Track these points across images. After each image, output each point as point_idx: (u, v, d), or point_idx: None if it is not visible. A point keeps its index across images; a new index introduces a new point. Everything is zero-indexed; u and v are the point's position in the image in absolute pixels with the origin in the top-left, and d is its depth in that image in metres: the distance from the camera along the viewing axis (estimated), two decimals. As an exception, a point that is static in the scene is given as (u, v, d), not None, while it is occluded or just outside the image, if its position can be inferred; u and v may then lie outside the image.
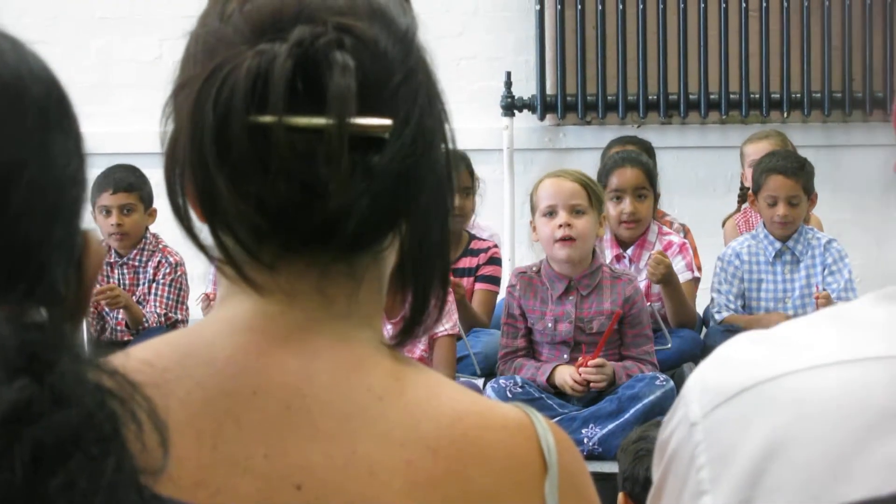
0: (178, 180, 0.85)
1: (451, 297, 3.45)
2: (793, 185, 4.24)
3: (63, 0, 5.93)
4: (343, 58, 0.82)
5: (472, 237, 4.45)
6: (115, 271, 4.39)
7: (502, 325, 3.81)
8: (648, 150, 4.83)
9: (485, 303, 4.38)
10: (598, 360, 3.55)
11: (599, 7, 5.74)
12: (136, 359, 0.75)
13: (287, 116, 0.81)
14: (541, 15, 5.77)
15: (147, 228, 4.42)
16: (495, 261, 4.45)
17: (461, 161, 4.17)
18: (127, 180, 4.32)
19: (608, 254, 4.24)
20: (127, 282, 4.37)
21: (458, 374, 3.96)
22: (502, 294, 4.48)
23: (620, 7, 5.73)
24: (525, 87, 5.84)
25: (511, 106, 5.79)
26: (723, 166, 5.73)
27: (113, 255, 4.39)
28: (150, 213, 4.40)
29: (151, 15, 5.84)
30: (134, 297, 4.35)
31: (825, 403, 0.79)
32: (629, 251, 4.29)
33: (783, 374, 0.81)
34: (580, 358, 3.61)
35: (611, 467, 2.78)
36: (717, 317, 4.35)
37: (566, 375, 3.59)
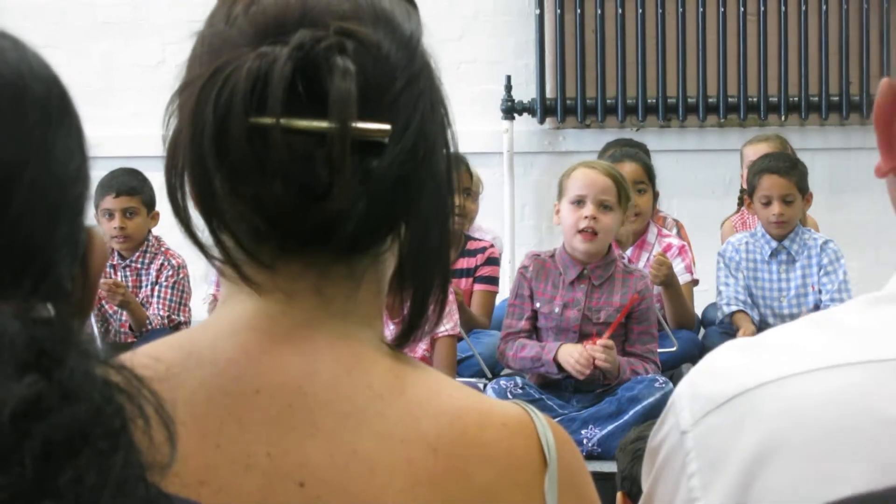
0: (178, 179, 0.86)
1: (452, 298, 3.46)
2: (786, 184, 4.24)
3: (66, 4, 5.92)
4: (344, 62, 0.82)
5: (468, 238, 4.41)
6: (118, 274, 4.38)
7: (508, 305, 3.74)
8: (644, 152, 4.84)
9: (484, 304, 4.36)
10: (606, 341, 3.52)
11: (599, 11, 5.74)
12: (142, 355, 0.76)
13: (287, 118, 0.81)
14: (540, 19, 5.78)
15: (150, 231, 4.42)
16: (493, 261, 4.42)
17: (461, 162, 4.16)
18: (129, 184, 4.32)
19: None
20: (130, 284, 4.36)
21: (462, 375, 3.95)
22: (502, 294, 4.48)
23: (619, 11, 5.73)
24: (525, 91, 5.84)
25: (511, 109, 5.80)
26: (721, 169, 5.74)
27: (116, 258, 4.38)
28: (153, 217, 4.40)
29: (154, 19, 5.85)
30: (137, 300, 4.35)
31: (814, 409, 0.79)
32: (628, 252, 4.29)
33: (772, 380, 0.82)
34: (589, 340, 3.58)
35: (610, 467, 2.78)
36: (725, 309, 4.31)
37: (573, 352, 3.53)
